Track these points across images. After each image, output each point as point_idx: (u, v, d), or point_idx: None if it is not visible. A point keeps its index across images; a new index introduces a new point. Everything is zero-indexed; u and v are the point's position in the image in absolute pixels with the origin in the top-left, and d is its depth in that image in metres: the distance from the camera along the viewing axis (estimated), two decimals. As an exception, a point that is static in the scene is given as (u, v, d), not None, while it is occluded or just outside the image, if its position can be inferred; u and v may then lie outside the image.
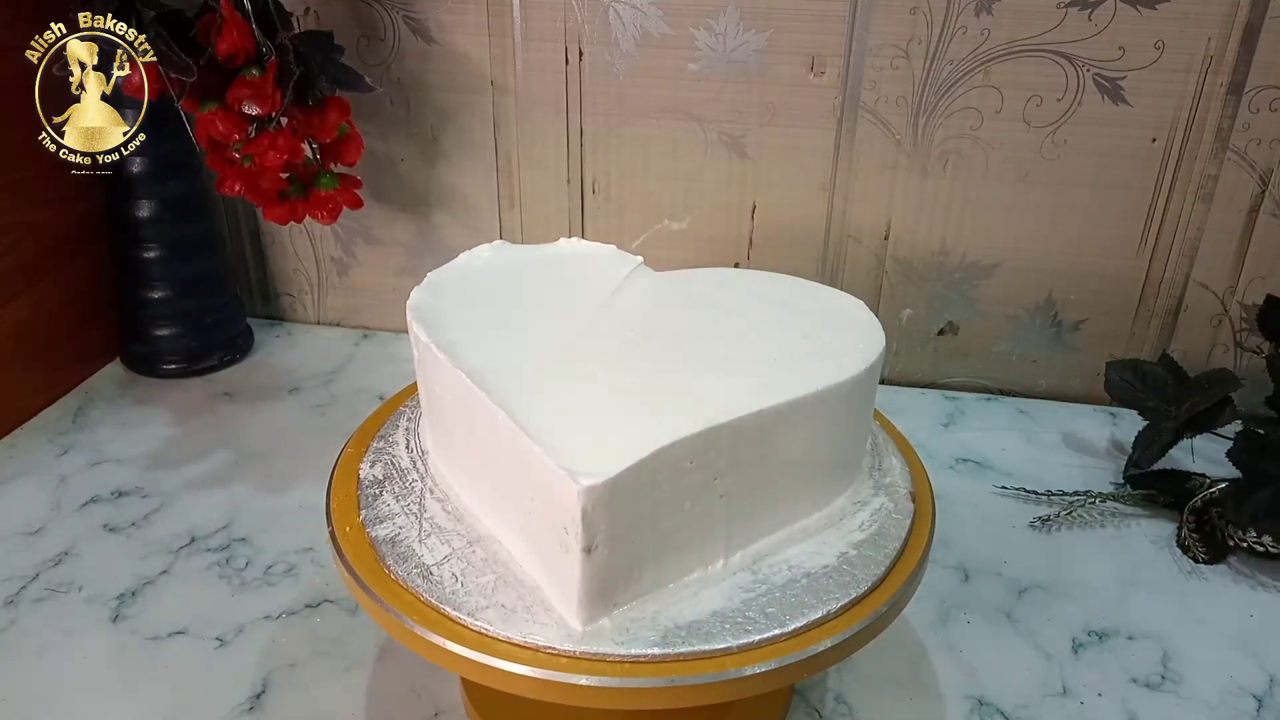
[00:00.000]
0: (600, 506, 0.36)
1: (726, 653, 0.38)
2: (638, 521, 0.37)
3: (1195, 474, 0.64)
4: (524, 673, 0.37)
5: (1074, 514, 0.64)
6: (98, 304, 0.79)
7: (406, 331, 0.46)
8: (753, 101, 0.73)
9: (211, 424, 0.74)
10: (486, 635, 0.38)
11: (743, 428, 0.39)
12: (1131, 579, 0.59)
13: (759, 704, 0.49)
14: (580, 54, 0.74)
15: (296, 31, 0.64)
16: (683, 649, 0.38)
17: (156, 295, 0.78)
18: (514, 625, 0.38)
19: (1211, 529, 0.61)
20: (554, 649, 0.38)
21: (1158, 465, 0.66)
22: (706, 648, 0.38)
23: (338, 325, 0.89)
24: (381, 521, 0.44)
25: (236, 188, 0.64)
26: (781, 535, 0.43)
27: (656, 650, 0.38)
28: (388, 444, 0.50)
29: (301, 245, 0.86)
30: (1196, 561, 0.60)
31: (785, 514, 0.43)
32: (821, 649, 0.38)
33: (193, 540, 0.61)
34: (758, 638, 0.38)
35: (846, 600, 0.40)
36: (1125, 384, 0.68)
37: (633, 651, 0.37)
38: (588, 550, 0.36)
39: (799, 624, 0.39)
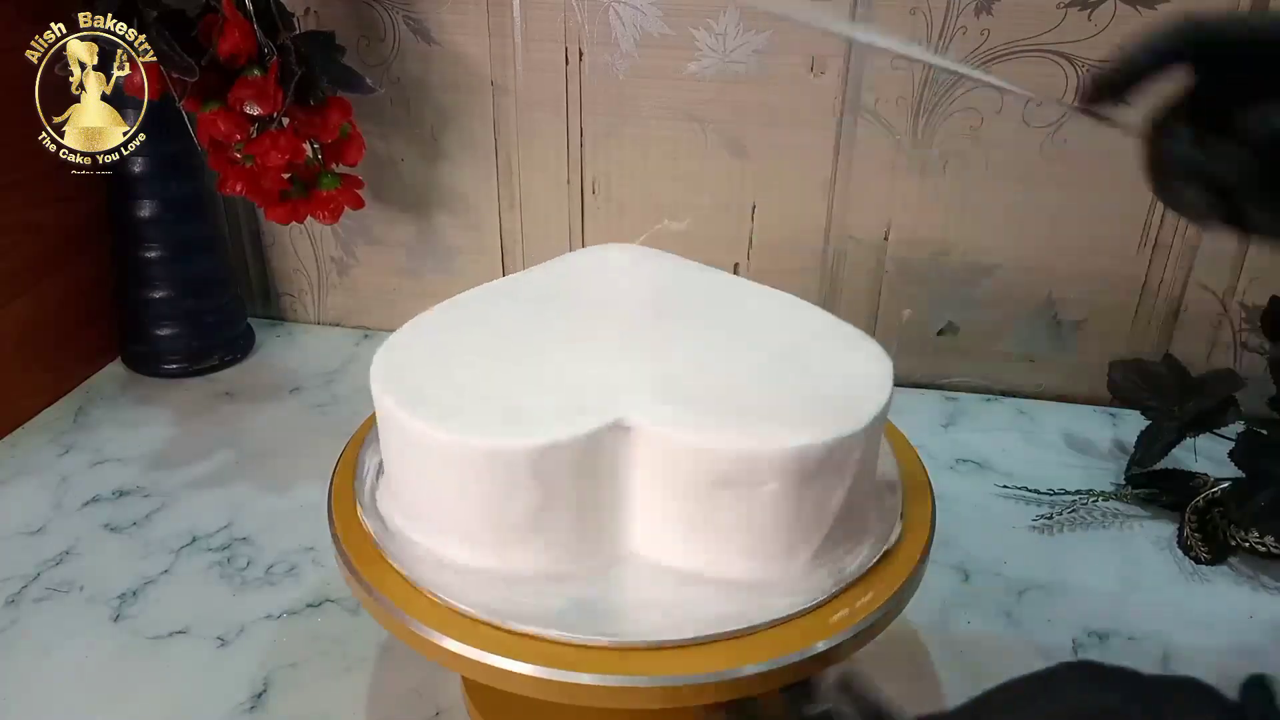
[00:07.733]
0: None
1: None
2: None
3: (1197, 474, 0.64)
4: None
5: (1075, 514, 0.64)
6: (98, 304, 0.79)
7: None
8: (753, 101, 0.73)
9: (212, 424, 0.74)
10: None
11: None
12: (1132, 579, 0.59)
13: (759, 704, 0.49)
14: (580, 54, 0.74)
15: (298, 32, 0.64)
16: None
17: (157, 295, 0.78)
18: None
19: (1213, 529, 0.61)
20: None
21: (1159, 465, 0.66)
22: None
23: (338, 325, 0.89)
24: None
25: (238, 188, 0.64)
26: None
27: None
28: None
29: (302, 245, 0.86)
30: (1198, 562, 0.60)
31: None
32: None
33: (194, 540, 0.61)
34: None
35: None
36: (1128, 384, 0.68)
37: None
38: None
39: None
